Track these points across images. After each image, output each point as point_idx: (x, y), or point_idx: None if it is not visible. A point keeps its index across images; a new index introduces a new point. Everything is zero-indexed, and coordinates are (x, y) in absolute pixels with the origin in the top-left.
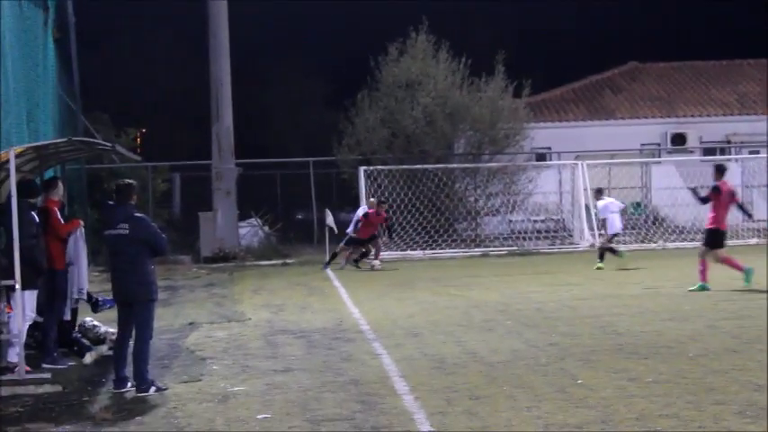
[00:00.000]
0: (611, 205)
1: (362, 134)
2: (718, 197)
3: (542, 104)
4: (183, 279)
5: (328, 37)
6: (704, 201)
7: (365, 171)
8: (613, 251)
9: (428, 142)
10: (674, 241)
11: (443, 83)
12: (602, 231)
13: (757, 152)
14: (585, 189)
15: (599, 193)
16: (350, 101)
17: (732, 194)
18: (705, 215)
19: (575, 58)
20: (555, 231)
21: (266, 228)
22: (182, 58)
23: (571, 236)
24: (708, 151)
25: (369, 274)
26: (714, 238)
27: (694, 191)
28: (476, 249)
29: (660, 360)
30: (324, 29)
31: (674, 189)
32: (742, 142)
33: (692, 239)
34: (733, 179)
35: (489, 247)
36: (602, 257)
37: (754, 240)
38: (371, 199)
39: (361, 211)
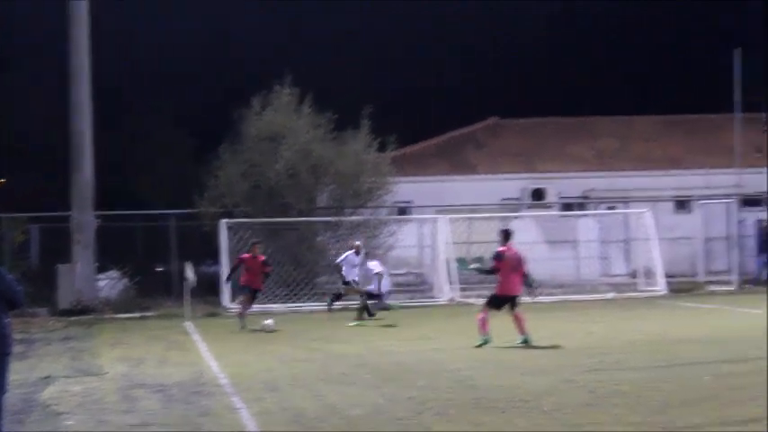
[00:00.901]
0: (375, 266)
1: (225, 187)
2: (502, 263)
3: (404, 159)
4: (39, 332)
5: (192, 88)
6: (492, 272)
7: (227, 224)
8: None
9: (290, 195)
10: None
11: (306, 136)
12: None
13: (614, 208)
14: (446, 243)
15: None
16: (213, 153)
17: (518, 260)
18: (559, 270)
19: (436, 113)
20: (415, 285)
21: (126, 280)
22: (41, 106)
23: (431, 290)
24: (566, 206)
25: (230, 326)
26: (495, 301)
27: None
28: (336, 303)
29: (517, 414)
30: (187, 80)
31: (532, 243)
32: (599, 197)
33: (550, 294)
34: (590, 234)
35: (349, 300)
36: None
37: (610, 295)
38: (357, 243)
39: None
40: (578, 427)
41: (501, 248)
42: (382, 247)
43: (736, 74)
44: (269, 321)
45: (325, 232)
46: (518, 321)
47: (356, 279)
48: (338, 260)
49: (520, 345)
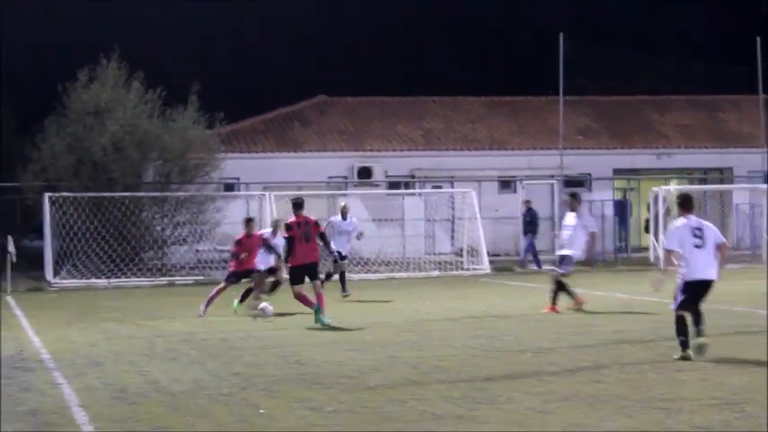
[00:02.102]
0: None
1: (49, 160)
2: (292, 232)
3: (232, 135)
4: None
5: (19, 60)
6: (289, 242)
7: (50, 198)
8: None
9: (116, 170)
10: (357, 273)
11: (134, 111)
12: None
13: (440, 187)
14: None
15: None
16: (38, 126)
17: (310, 227)
18: (386, 248)
19: (264, 91)
20: None
21: None
22: None
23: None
24: (393, 185)
25: (54, 301)
26: (293, 275)
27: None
28: (162, 278)
29: (341, 390)
30: (13, 52)
31: (359, 221)
32: (425, 177)
33: (376, 271)
34: (416, 213)
35: (175, 276)
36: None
37: (435, 273)
38: (342, 203)
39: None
40: (401, 403)
41: (290, 220)
42: (209, 223)
43: (560, 58)
44: (264, 306)
45: (151, 208)
46: (317, 297)
47: (341, 251)
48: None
49: (326, 324)
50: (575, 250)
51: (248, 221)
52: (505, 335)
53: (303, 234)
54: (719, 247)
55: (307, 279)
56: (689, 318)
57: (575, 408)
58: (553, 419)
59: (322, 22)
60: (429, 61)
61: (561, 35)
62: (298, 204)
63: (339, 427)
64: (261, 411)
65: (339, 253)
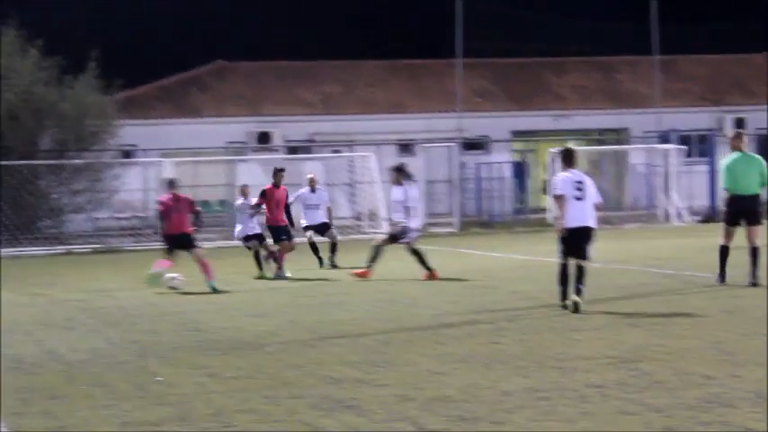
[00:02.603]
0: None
1: None
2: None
3: (129, 102)
4: None
5: None
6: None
7: None
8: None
9: (11, 138)
10: None
11: (30, 78)
12: None
13: (339, 151)
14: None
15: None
16: None
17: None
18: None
19: (161, 56)
20: (140, 229)
21: None
22: None
23: (156, 233)
24: (292, 150)
25: None
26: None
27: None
28: (59, 247)
29: (239, 356)
30: None
31: (258, 187)
32: (325, 141)
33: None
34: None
35: (73, 244)
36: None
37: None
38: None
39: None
40: (299, 368)
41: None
42: (107, 190)
43: (457, 20)
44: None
45: (47, 176)
46: (202, 265)
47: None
48: (290, 200)
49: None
50: (409, 222)
51: (278, 172)
52: (404, 298)
53: (175, 209)
54: (596, 205)
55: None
56: (573, 269)
57: (472, 369)
58: (450, 380)
59: None
60: (327, 25)
61: None
62: (171, 183)
63: (237, 393)
64: (158, 379)
65: (310, 225)
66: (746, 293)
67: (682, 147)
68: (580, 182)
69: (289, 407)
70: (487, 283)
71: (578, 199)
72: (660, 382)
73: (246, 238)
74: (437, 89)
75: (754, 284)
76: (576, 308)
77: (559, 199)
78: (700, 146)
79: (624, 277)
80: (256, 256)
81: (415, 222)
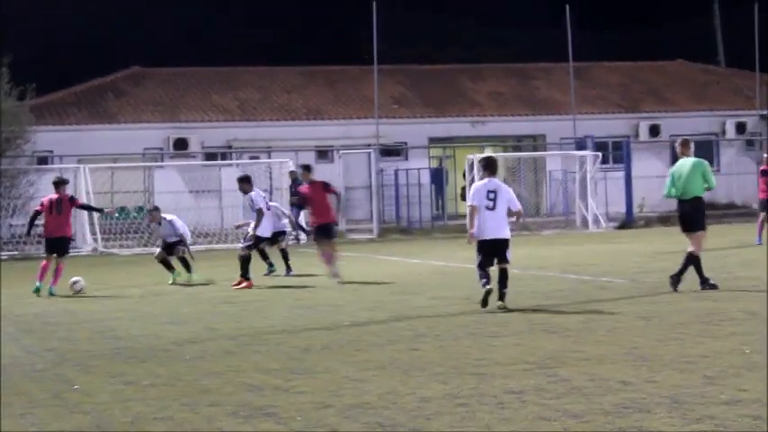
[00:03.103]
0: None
1: None
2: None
3: (44, 108)
4: None
5: None
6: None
7: None
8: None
9: None
10: None
11: None
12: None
13: (257, 157)
14: (88, 193)
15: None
16: None
17: None
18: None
19: (77, 63)
20: None
21: None
22: None
23: (73, 240)
24: (209, 156)
25: None
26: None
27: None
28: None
29: (157, 363)
30: None
31: (176, 193)
32: (242, 147)
33: (194, 243)
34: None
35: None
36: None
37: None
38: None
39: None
40: (218, 375)
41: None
42: (22, 197)
43: (373, 26)
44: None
45: None
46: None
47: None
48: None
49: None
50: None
51: (307, 168)
52: (323, 305)
53: (56, 209)
54: (514, 212)
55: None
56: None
57: (391, 376)
58: (369, 387)
59: None
60: (244, 31)
61: (374, 3)
62: (58, 183)
63: (155, 400)
64: (75, 387)
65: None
66: (662, 299)
67: (597, 153)
68: (493, 191)
69: (207, 414)
70: (406, 289)
71: (489, 209)
72: (577, 388)
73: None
74: (355, 95)
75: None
76: (504, 309)
77: (473, 209)
78: (615, 152)
79: (542, 283)
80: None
81: (263, 228)
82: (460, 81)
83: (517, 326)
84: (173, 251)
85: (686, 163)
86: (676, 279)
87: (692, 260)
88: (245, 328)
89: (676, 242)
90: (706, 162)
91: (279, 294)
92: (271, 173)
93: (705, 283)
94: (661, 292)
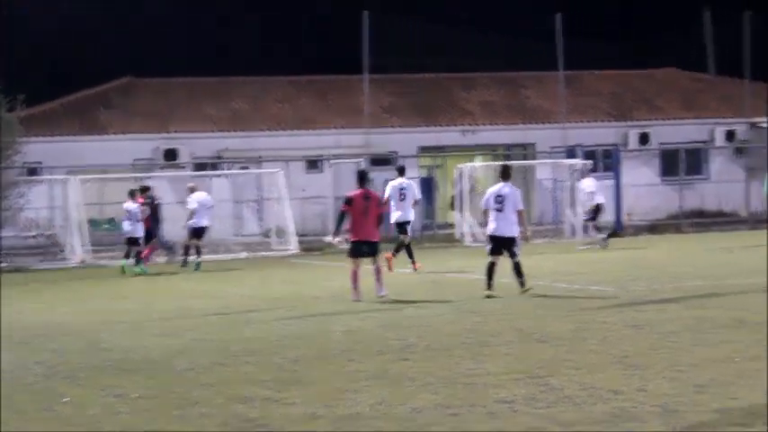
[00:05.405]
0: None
1: None
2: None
3: (33, 118)
4: None
5: None
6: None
7: None
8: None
9: None
10: (165, 256)
11: None
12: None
13: (247, 167)
14: (78, 204)
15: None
16: None
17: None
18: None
19: (68, 73)
20: (45, 247)
21: None
22: None
23: (63, 251)
24: (199, 167)
25: None
26: None
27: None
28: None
29: (147, 375)
30: None
31: (166, 204)
32: (233, 158)
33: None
34: (223, 194)
35: None
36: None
37: (244, 254)
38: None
39: None
40: (209, 387)
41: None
42: (12, 208)
43: (364, 36)
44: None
45: None
46: None
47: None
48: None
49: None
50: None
51: (363, 175)
52: (314, 315)
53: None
54: (518, 212)
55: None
56: (501, 266)
57: (382, 386)
58: (361, 397)
59: (128, 2)
60: (235, 41)
61: (364, 14)
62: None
63: (145, 412)
64: (65, 400)
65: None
66: (652, 308)
67: (587, 161)
68: (500, 195)
69: (198, 426)
70: (397, 298)
71: (498, 210)
72: (569, 397)
73: None
74: (346, 105)
75: None
76: (524, 291)
77: (485, 211)
78: (605, 161)
79: (532, 292)
80: None
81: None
82: (451, 90)
83: (508, 335)
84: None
85: None
86: None
87: None
88: (236, 339)
89: (665, 250)
90: None
91: (270, 304)
92: (261, 183)
93: None
94: (651, 301)
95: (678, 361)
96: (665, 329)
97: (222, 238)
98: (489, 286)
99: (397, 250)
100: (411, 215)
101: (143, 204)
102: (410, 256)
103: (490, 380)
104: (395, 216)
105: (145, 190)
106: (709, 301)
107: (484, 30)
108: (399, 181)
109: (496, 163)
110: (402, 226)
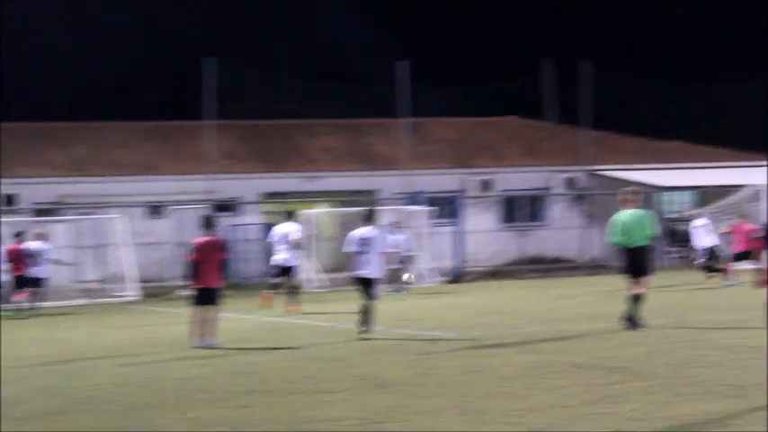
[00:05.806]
0: None
1: None
2: None
3: None
4: None
5: None
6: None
7: None
8: None
9: None
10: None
11: None
12: None
13: (88, 214)
14: None
15: None
16: None
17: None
18: None
19: None
20: None
21: None
22: None
23: None
24: (41, 212)
25: None
26: None
27: None
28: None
29: None
30: None
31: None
32: (74, 203)
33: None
34: (62, 240)
35: None
36: None
37: (82, 301)
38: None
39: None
40: None
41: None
42: None
43: (207, 82)
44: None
45: None
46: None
47: None
48: None
49: None
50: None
51: (208, 221)
52: (152, 362)
53: None
54: (382, 255)
55: None
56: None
57: None
58: None
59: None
60: (78, 86)
61: (208, 59)
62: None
63: None
64: None
65: None
66: (490, 353)
67: (431, 208)
68: (364, 238)
69: None
70: (237, 345)
71: (362, 253)
72: None
73: None
74: (189, 151)
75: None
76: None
77: (351, 254)
78: (447, 207)
79: (371, 338)
80: None
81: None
82: (295, 136)
83: (347, 382)
84: None
85: (633, 213)
86: (632, 321)
87: (637, 299)
88: (74, 386)
89: (505, 296)
90: (651, 213)
91: (108, 352)
92: (102, 229)
93: (632, 323)
94: (489, 345)
95: (515, 406)
96: (503, 374)
97: (60, 284)
98: (363, 325)
99: (291, 294)
100: (294, 260)
101: None
102: (293, 296)
103: (329, 426)
104: (279, 259)
105: None
106: (547, 345)
107: (327, 76)
108: (283, 226)
109: (341, 209)
110: (287, 270)
